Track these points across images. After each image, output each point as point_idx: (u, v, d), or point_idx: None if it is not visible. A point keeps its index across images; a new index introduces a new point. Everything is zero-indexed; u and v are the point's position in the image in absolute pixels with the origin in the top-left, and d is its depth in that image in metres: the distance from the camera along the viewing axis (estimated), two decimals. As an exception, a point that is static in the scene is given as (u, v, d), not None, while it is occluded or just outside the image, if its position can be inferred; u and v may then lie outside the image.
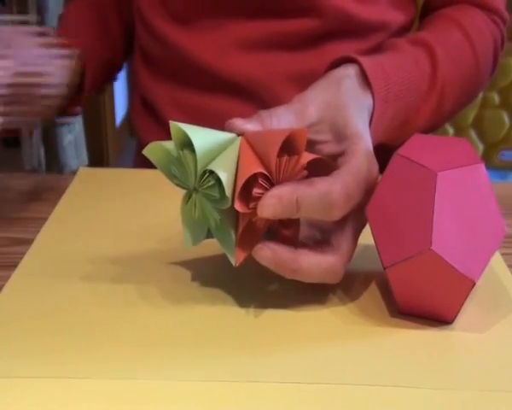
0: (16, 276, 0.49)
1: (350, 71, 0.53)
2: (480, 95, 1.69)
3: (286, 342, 0.42)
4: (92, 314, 0.44)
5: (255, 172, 0.41)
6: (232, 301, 0.46)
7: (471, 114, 1.71)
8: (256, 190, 0.42)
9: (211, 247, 0.50)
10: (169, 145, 0.44)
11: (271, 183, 0.42)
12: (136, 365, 0.40)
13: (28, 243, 0.53)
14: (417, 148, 0.45)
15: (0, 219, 0.58)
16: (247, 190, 0.42)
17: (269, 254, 0.43)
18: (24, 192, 0.64)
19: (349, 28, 0.68)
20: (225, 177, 0.41)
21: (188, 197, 0.44)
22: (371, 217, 0.44)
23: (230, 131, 0.44)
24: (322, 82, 0.51)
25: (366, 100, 0.52)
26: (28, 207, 0.60)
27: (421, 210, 0.41)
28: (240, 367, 0.40)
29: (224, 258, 0.49)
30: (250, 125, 0.44)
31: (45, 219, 0.57)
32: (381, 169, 0.45)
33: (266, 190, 0.42)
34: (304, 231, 0.47)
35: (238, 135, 0.44)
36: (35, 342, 0.42)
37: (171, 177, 0.44)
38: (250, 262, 0.46)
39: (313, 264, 0.43)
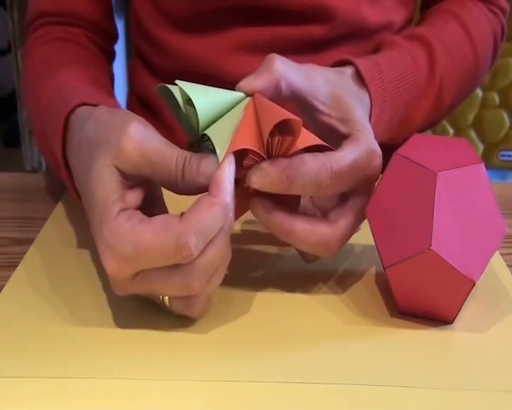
0: (16, 276, 0.49)
1: (347, 70, 0.53)
2: (480, 95, 1.69)
3: (286, 342, 0.42)
4: (92, 314, 0.44)
5: (246, 147, 0.41)
6: (232, 300, 0.46)
7: (471, 114, 1.71)
8: (246, 162, 0.42)
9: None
10: (178, 97, 0.44)
11: (263, 158, 0.42)
12: (136, 365, 0.40)
13: (28, 242, 0.53)
14: (417, 148, 0.45)
15: (0, 219, 0.58)
16: (239, 157, 0.42)
17: (264, 210, 0.43)
18: (24, 192, 0.64)
19: (357, 32, 0.68)
20: (218, 142, 0.41)
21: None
22: (371, 217, 0.44)
23: (239, 91, 0.44)
24: (326, 68, 0.51)
25: (364, 98, 0.52)
26: (28, 208, 0.60)
27: (421, 210, 0.41)
28: (240, 367, 0.40)
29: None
30: (259, 81, 0.44)
31: (45, 219, 0.57)
32: (381, 169, 0.45)
33: (257, 162, 0.42)
34: (308, 210, 0.47)
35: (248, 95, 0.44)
36: (35, 342, 0.42)
37: (180, 121, 0.46)
38: (251, 262, 0.46)
39: (306, 230, 0.43)
